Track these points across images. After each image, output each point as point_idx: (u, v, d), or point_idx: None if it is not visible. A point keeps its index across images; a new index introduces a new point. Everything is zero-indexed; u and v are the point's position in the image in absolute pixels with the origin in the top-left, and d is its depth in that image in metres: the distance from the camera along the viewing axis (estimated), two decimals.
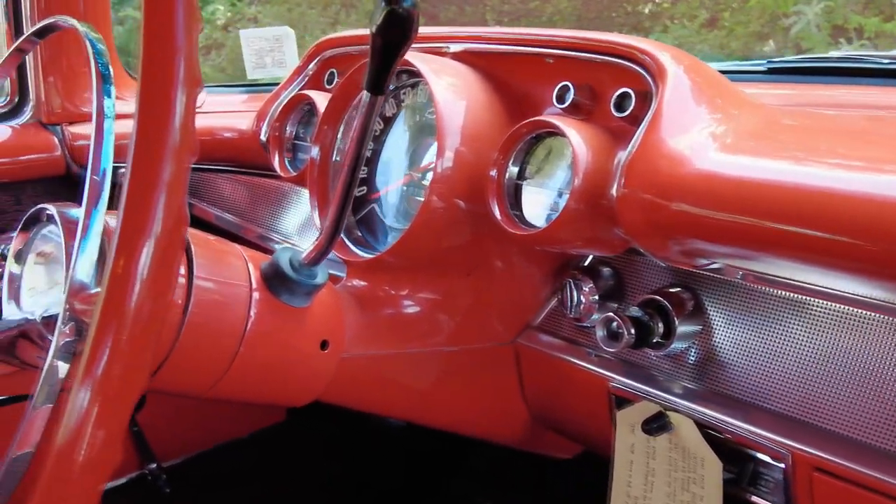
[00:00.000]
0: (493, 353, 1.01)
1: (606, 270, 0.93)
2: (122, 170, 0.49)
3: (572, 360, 0.95)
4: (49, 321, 0.67)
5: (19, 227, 0.80)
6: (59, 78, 1.29)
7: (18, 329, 0.71)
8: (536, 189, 0.87)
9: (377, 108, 0.74)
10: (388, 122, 1.05)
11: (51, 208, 0.76)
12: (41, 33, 0.80)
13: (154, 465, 1.27)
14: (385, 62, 0.70)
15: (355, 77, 1.01)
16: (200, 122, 1.46)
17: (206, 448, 1.42)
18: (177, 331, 0.74)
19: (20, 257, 0.80)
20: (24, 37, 0.81)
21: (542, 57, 0.91)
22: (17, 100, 1.36)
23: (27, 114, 1.33)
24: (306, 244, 1.23)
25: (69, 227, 0.74)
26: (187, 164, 0.49)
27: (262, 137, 1.16)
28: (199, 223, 1.30)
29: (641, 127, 0.79)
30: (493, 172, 0.87)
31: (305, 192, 1.24)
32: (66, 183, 1.34)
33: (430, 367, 0.98)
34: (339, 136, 1.03)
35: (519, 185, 0.88)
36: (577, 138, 0.81)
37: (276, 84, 1.37)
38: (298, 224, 1.24)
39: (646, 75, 0.82)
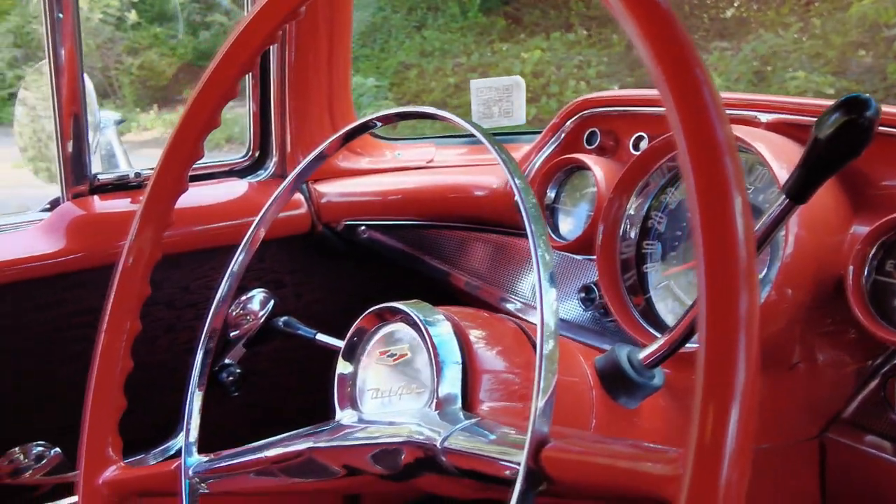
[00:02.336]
0: (794, 450, 0.93)
1: None
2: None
3: None
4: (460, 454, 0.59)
5: (356, 322, 0.73)
6: (304, 132, 1.22)
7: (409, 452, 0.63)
8: None
9: (791, 216, 0.66)
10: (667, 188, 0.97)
11: (405, 308, 0.70)
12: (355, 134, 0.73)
13: None
14: (821, 173, 0.62)
15: (656, 150, 0.93)
16: (442, 178, 1.38)
17: None
18: None
19: (353, 354, 0.73)
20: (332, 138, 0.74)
21: (881, 135, 0.82)
22: (257, 154, 1.28)
23: (270, 169, 1.25)
24: None
25: (429, 334, 0.68)
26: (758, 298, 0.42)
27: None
28: (436, 283, 1.24)
29: None
30: (851, 270, 0.79)
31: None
32: (309, 241, 1.27)
33: None
34: (626, 207, 0.96)
35: (879, 282, 0.80)
36: None
37: (500, 134, 1.30)
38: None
39: None
